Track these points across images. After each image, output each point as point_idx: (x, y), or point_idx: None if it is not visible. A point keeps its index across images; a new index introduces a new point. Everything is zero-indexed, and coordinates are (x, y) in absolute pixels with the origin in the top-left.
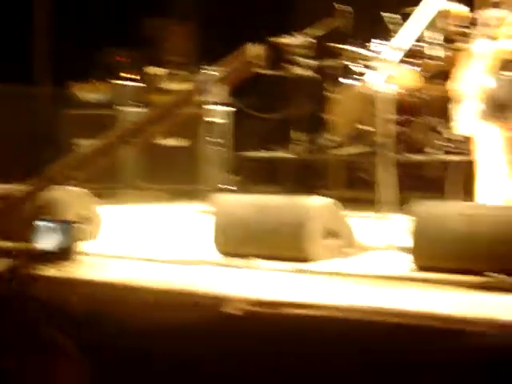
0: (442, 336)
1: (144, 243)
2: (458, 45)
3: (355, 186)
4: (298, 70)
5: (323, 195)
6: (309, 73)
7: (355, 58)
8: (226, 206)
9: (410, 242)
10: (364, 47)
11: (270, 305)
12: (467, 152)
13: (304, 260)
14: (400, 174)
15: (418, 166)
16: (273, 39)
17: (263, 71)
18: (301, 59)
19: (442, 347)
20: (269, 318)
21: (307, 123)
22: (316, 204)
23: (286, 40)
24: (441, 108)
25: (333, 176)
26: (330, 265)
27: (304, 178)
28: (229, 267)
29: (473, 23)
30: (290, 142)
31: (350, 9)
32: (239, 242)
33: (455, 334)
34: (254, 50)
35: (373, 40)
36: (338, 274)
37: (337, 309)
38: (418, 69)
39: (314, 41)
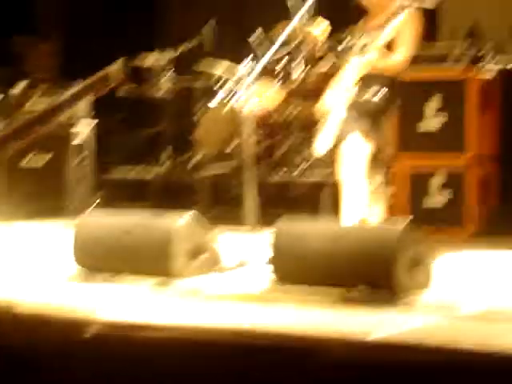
0: (302, 353)
1: (4, 262)
2: (322, 64)
3: (222, 204)
4: (161, 89)
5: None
6: (171, 92)
7: (222, 77)
8: (89, 224)
9: (272, 259)
10: (229, 67)
11: (127, 327)
12: (331, 171)
13: (169, 278)
14: (265, 193)
15: (284, 185)
16: (136, 58)
17: (125, 89)
18: (164, 78)
19: (301, 364)
20: (124, 340)
21: (175, 142)
22: (181, 222)
23: (149, 58)
24: (306, 127)
25: (200, 194)
26: (194, 282)
27: (171, 196)
28: (89, 285)
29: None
30: (157, 160)
31: (214, 27)
32: (101, 260)
33: (314, 350)
34: (115, 67)
35: (243, 60)
36: (199, 292)
37: (192, 330)
38: (283, 88)
39: (176, 59)
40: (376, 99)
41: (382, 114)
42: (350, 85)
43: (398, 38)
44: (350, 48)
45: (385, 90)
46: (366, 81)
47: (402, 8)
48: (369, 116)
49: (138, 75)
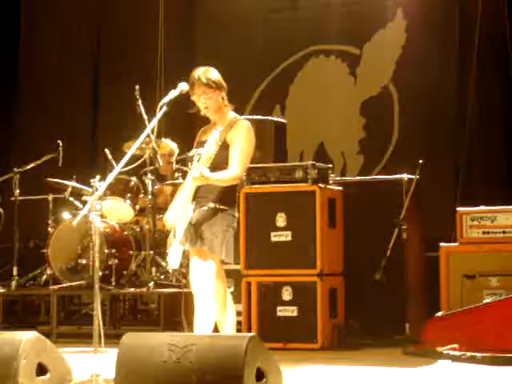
0: None
1: None
2: (168, 178)
3: (72, 320)
4: None
5: (39, 330)
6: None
7: (74, 192)
8: None
9: (116, 378)
10: (80, 182)
11: None
12: (183, 283)
13: None
14: (118, 307)
15: (136, 298)
16: None
17: None
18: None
19: None
20: None
21: (24, 257)
22: (27, 339)
23: None
24: (159, 240)
25: (50, 310)
26: None
27: (20, 313)
28: None
29: (186, 160)
30: (6, 276)
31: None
32: None
33: None
34: None
35: (95, 176)
36: None
37: None
38: (135, 202)
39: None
40: (212, 214)
41: (222, 228)
42: (187, 200)
43: (230, 155)
44: (192, 160)
45: (220, 205)
46: (203, 196)
47: (231, 122)
48: (207, 232)
49: None
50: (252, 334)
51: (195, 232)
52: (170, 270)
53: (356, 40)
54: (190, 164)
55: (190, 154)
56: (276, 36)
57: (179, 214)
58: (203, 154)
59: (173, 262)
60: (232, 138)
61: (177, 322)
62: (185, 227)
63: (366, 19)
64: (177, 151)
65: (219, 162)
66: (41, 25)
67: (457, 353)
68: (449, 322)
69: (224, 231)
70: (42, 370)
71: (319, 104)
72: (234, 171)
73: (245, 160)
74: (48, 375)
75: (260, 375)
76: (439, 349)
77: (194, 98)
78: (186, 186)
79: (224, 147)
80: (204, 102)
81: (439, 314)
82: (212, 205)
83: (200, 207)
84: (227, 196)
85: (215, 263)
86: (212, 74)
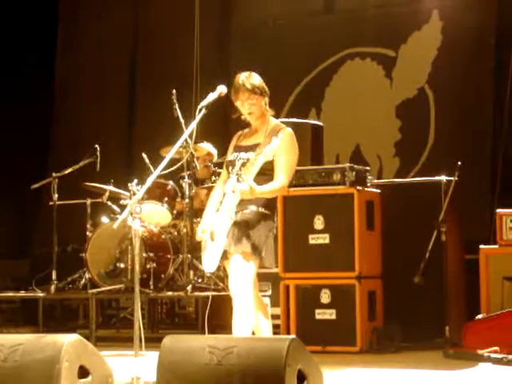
0: None
1: None
2: (205, 182)
3: (111, 324)
4: None
5: (79, 333)
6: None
7: (111, 196)
8: None
9: (158, 380)
10: (118, 186)
11: None
12: (221, 287)
13: None
14: (156, 310)
15: (173, 302)
16: None
17: None
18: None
19: None
20: None
21: (62, 261)
22: (69, 342)
23: None
24: (195, 244)
25: (89, 314)
26: None
27: (58, 316)
28: None
29: (225, 164)
30: (45, 280)
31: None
32: None
33: None
34: None
35: (133, 180)
36: None
37: None
38: (172, 206)
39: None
40: (255, 218)
41: (264, 232)
42: (230, 205)
43: (275, 165)
44: (233, 164)
45: (263, 209)
46: (247, 199)
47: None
48: (249, 235)
49: None
50: (293, 336)
51: (238, 234)
52: (208, 274)
53: (392, 42)
54: (230, 168)
55: (230, 158)
56: (311, 39)
57: (220, 216)
58: (259, 158)
59: (208, 265)
60: (276, 150)
61: (215, 326)
62: (227, 229)
63: (402, 21)
64: (215, 153)
65: (263, 168)
66: (79, 29)
67: (498, 356)
68: (489, 325)
69: (265, 235)
70: (83, 372)
71: (355, 107)
72: (282, 182)
73: (290, 170)
74: (89, 378)
75: (301, 377)
76: (480, 352)
77: (237, 103)
78: (228, 190)
79: None
80: (248, 108)
81: (479, 316)
82: (255, 208)
83: (243, 210)
84: (270, 201)
85: (255, 266)
86: (255, 79)
